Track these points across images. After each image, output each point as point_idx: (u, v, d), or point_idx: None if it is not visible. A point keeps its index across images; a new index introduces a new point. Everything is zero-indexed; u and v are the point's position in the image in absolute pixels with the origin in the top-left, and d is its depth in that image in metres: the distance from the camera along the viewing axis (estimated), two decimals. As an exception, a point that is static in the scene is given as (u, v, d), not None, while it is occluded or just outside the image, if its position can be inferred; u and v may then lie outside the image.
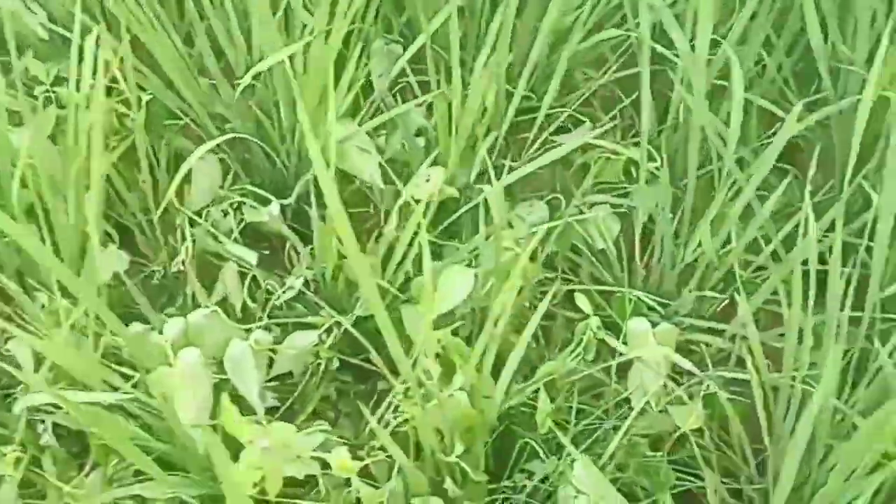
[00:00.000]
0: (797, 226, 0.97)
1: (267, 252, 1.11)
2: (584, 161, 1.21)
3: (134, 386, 0.83)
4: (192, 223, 1.08)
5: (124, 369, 0.86)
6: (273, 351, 0.93)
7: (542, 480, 0.94)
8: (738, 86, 0.98)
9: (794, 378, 0.88)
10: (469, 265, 1.01)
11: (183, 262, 1.06)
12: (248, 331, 0.92)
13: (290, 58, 1.04)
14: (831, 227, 0.93)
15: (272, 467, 0.76)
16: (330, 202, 0.74)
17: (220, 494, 0.83)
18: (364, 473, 0.88)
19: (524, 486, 0.96)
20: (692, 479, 0.95)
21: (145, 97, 1.06)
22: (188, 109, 1.12)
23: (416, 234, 1.04)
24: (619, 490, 0.89)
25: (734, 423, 0.90)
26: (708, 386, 0.90)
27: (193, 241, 1.06)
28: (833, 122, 1.13)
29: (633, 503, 0.94)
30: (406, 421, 0.87)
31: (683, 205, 1.04)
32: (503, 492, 0.94)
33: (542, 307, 0.93)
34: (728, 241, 1.03)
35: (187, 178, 1.11)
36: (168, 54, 1.05)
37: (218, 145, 1.13)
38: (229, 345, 0.89)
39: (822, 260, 0.93)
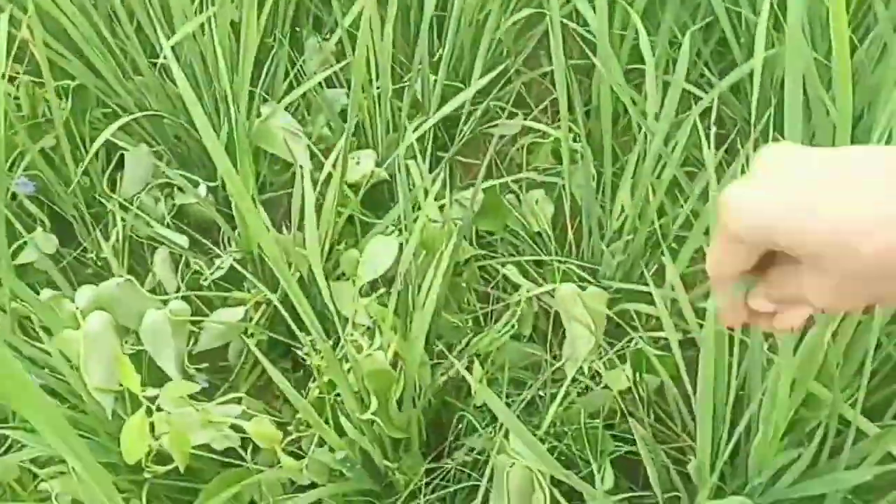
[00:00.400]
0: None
1: (198, 236, 1.11)
2: (518, 147, 1.22)
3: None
4: (124, 209, 1.08)
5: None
6: (195, 324, 0.91)
7: (480, 454, 0.92)
8: (648, 53, 1.00)
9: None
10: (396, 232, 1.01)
11: (114, 247, 1.04)
12: (165, 302, 0.90)
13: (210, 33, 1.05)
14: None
15: (177, 433, 0.74)
16: (238, 196, 0.73)
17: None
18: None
19: (464, 461, 0.93)
20: (631, 445, 0.93)
21: (72, 84, 1.06)
22: (117, 99, 1.12)
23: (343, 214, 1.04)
24: (557, 459, 0.87)
25: (665, 381, 0.88)
26: (636, 343, 0.89)
27: (124, 225, 1.05)
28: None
29: (572, 470, 0.91)
30: (329, 384, 0.85)
31: (604, 176, 1.04)
32: (441, 468, 0.91)
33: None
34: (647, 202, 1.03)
35: (121, 166, 1.11)
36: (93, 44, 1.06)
37: (151, 136, 1.14)
38: (145, 315, 0.87)
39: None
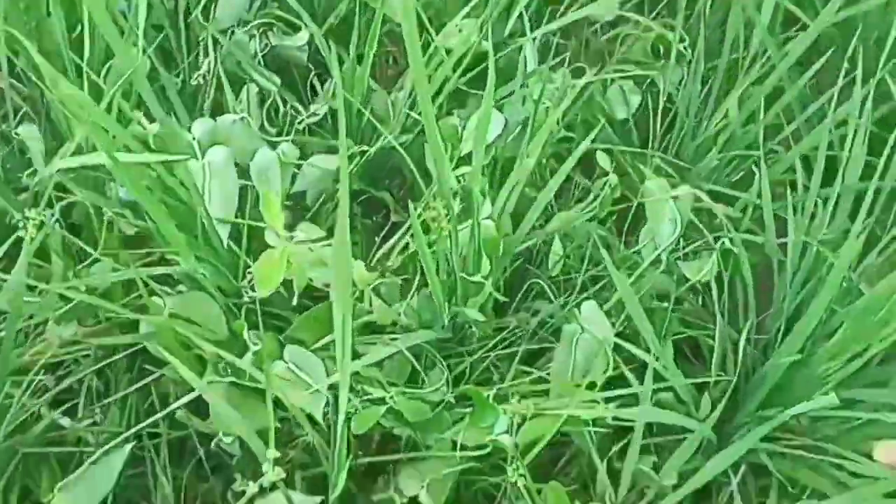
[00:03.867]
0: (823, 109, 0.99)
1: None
2: (615, 34, 1.21)
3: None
4: (216, 42, 1.06)
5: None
6: (297, 167, 0.93)
7: (549, 318, 0.96)
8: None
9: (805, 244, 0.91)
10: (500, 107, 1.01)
11: (204, 77, 1.03)
12: (274, 145, 0.91)
13: None
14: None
15: (299, 263, 0.77)
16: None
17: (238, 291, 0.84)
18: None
19: (532, 318, 0.97)
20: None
21: None
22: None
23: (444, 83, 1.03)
24: (623, 336, 0.92)
25: (746, 275, 0.92)
26: (724, 242, 0.92)
27: (216, 58, 1.03)
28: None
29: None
30: (432, 242, 0.87)
31: (712, 81, 1.05)
32: (508, 327, 0.96)
33: (568, 164, 0.93)
34: (752, 119, 1.04)
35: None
36: None
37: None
38: (256, 153, 0.88)
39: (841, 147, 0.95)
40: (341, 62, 1.02)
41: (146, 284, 0.79)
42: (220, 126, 0.88)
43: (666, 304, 0.96)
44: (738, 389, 0.93)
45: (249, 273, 0.83)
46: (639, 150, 1.04)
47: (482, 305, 0.90)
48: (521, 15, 1.13)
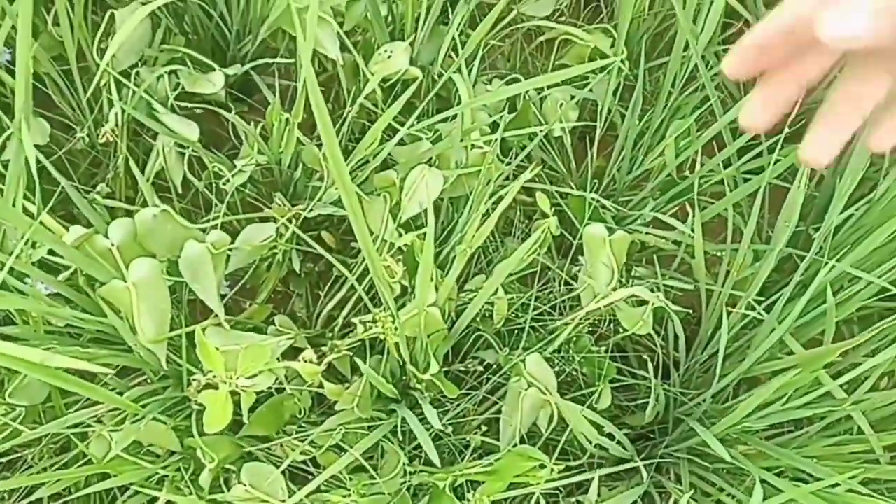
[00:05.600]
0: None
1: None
2: (551, 37, 1.15)
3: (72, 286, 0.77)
4: (120, 85, 0.95)
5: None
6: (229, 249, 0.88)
7: (493, 370, 0.99)
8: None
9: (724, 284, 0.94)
10: (431, 161, 0.97)
11: (113, 132, 0.94)
12: (204, 230, 0.85)
13: None
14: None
15: (246, 391, 0.75)
16: (307, 72, 0.61)
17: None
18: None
19: (475, 371, 1.00)
20: (631, 369, 1.03)
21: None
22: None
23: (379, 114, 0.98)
24: (563, 380, 0.96)
25: (676, 327, 0.96)
26: (658, 296, 0.95)
27: (124, 108, 0.94)
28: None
29: (576, 392, 1.01)
30: (375, 322, 0.86)
31: (650, 112, 1.02)
32: (456, 376, 0.98)
33: (503, 205, 0.91)
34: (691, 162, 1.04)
35: (108, 31, 0.96)
36: None
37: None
38: (184, 249, 0.82)
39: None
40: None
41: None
42: (140, 223, 0.81)
43: (603, 348, 0.99)
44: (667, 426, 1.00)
45: (195, 380, 0.81)
46: (578, 193, 1.03)
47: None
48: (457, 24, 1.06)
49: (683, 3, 0.99)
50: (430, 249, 0.78)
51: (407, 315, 0.83)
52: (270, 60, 0.97)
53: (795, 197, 0.89)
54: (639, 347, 1.04)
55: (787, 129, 1.09)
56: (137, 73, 0.97)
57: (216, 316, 0.83)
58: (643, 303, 0.98)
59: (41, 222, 0.77)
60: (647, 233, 1.02)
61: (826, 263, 0.84)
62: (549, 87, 1.12)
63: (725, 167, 0.99)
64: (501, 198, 1.02)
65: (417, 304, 0.82)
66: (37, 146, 0.85)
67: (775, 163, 0.89)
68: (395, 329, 0.80)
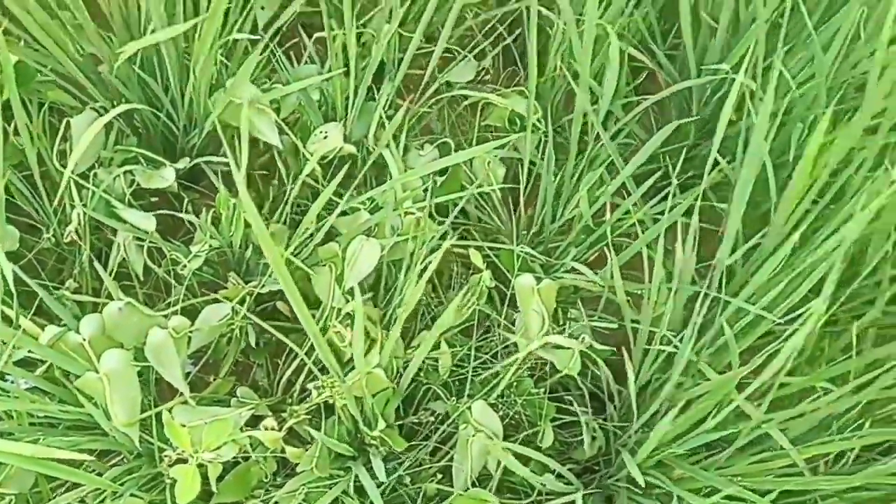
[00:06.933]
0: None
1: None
2: (474, 101, 1.26)
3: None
4: (80, 187, 1.04)
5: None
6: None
7: (443, 419, 1.08)
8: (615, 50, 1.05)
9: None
10: (370, 232, 1.06)
11: (76, 231, 1.03)
12: (166, 317, 0.94)
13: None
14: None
15: (213, 463, 0.84)
16: (242, 191, 0.71)
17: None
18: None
19: (428, 422, 1.09)
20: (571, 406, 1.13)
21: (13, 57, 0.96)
22: (63, 71, 1.03)
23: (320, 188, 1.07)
24: (509, 423, 1.05)
25: (602, 369, 1.07)
26: (583, 339, 1.05)
27: (85, 210, 1.03)
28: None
29: (522, 433, 1.11)
30: (325, 385, 0.96)
31: (565, 167, 1.13)
32: (411, 428, 1.07)
33: (430, 269, 1.00)
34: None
35: (65, 137, 1.05)
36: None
37: (96, 101, 1.07)
38: (148, 336, 0.91)
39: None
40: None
41: None
42: (107, 317, 0.90)
43: (542, 390, 1.09)
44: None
45: (166, 456, 0.89)
46: (506, 247, 1.13)
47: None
48: (383, 102, 1.16)
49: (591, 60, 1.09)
50: (360, 320, 0.87)
51: (352, 379, 0.93)
52: (213, 158, 1.07)
53: (690, 237, 1.00)
54: (580, 384, 1.14)
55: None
56: (95, 175, 1.06)
57: (182, 394, 0.92)
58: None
59: (20, 327, 0.86)
60: (574, 278, 1.12)
61: (720, 300, 0.95)
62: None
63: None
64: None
65: (358, 369, 0.92)
66: (7, 252, 0.95)
67: (674, 207, 1.01)
68: (341, 393, 0.89)
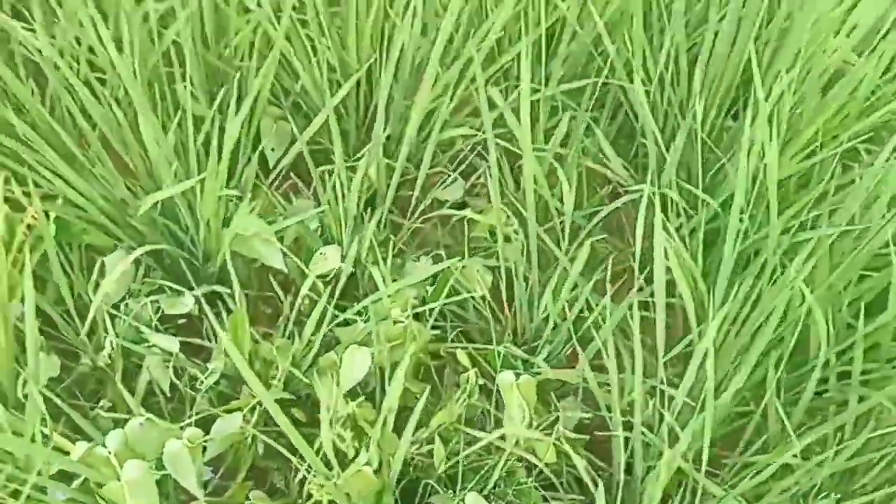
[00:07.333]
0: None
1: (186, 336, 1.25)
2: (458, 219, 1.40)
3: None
4: (113, 317, 1.20)
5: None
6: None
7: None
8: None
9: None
10: (365, 341, 1.19)
11: (109, 356, 1.18)
12: (182, 428, 1.07)
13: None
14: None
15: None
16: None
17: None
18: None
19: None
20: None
21: (52, 212, 1.15)
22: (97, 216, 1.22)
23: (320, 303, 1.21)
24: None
25: (577, 459, 1.14)
26: (558, 429, 1.13)
27: (118, 336, 1.18)
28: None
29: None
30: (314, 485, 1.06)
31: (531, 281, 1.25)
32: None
33: (403, 365, 1.10)
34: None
35: (101, 274, 1.22)
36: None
37: (126, 241, 1.25)
38: (165, 447, 1.04)
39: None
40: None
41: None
42: (129, 432, 1.04)
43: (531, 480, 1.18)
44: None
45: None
46: (489, 347, 1.24)
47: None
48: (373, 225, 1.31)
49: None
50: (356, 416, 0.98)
51: (344, 477, 1.03)
52: (221, 289, 1.22)
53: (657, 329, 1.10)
54: (564, 472, 1.21)
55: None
56: (126, 305, 1.22)
57: (198, 500, 1.04)
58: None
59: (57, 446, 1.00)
60: (553, 373, 1.22)
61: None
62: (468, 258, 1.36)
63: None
64: (433, 354, 1.24)
65: (347, 471, 1.02)
66: (50, 378, 1.11)
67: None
68: (330, 494, 1.00)
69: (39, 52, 1.16)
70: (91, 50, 1.20)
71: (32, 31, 1.17)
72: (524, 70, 1.16)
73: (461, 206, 1.43)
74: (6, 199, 1.06)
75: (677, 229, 1.25)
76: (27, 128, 1.13)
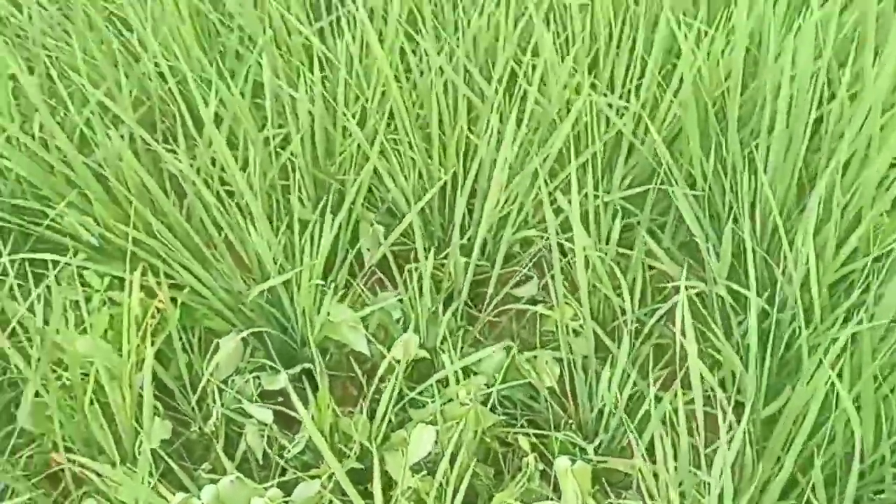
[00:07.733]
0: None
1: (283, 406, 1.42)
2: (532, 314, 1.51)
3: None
4: (220, 390, 1.40)
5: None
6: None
7: None
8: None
9: None
10: (433, 421, 1.31)
11: (214, 424, 1.37)
12: (266, 489, 1.22)
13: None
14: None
15: None
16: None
17: None
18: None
19: None
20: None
21: (180, 298, 1.38)
22: (216, 304, 1.44)
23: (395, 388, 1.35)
24: None
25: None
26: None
27: (223, 405, 1.37)
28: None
29: None
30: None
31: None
32: None
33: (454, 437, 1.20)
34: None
35: (216, 353, 1.43)
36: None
37: (241, 323, 1.46)
38: (251, 502, 1.19)
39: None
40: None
41: None
42: (221, 488, 1.20)
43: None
44: None
45: None
46: (548, 433, 1.32)
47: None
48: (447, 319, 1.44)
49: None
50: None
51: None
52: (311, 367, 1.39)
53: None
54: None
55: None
56: (233, 381, 1.42)
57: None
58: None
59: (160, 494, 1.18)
60: (608, 461, 1.27)
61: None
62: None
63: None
64: (497, 438, 1.33)
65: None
66: (162, 440, 1.30)
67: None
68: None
69: (181, 171, 1.42)
70: (222, 168, 1.46)
71: (174, 152, 1.45)
72: (573, 182, 1.30)
73: (536, 301, 1.55)
74: (141, 287, 1.29)
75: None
76: (164, 229, 1.38)
